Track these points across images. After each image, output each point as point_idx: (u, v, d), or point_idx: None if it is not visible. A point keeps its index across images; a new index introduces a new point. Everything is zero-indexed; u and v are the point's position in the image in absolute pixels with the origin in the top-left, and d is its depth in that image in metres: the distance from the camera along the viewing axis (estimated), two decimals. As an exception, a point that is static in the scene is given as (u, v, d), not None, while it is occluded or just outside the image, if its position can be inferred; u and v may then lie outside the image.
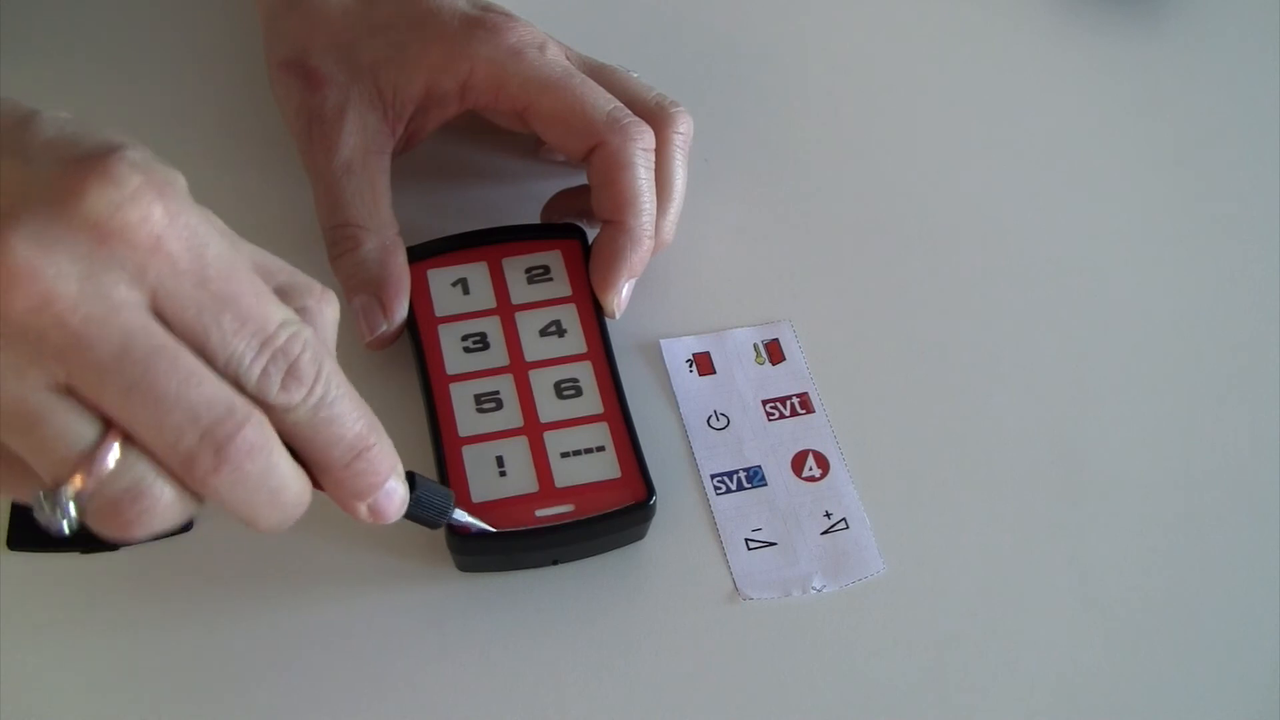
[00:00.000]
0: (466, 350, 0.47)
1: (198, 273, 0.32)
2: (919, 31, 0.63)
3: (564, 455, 0.45)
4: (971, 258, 0.54)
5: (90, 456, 0.31)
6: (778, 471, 0.48)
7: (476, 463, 0.44)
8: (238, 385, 0.32)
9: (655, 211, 0.49)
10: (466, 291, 0.49)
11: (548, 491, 0.44)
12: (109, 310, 0.30)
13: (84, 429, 0.31)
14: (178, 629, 0.43)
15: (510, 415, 0.46)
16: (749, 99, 0.59)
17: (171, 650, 0.42)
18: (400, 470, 0.37)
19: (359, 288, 0.47)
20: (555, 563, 0.45)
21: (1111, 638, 0.45)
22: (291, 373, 0.33)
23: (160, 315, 0.31)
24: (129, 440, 0.31)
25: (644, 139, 0.48)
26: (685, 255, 0.52)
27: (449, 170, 0.55)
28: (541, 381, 0.46)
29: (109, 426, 0.31)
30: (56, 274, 0.30)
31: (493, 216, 0.51)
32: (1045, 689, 0.43)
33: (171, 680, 0.42)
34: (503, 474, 0.44)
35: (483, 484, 0.44)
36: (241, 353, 0.32)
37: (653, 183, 0.48)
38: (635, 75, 0.52)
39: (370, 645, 0.43)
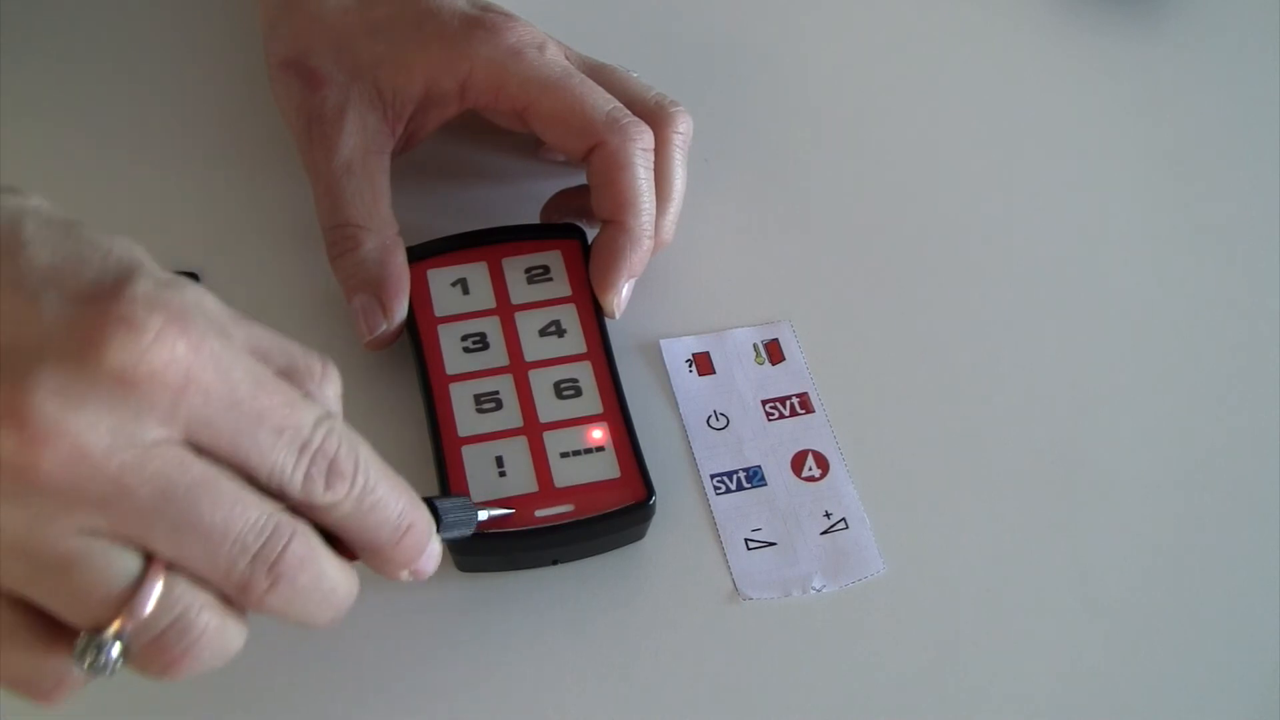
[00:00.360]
0: (466, 350, 0.47)
1: (228, 397, 0.31)
2: (919, 31, 0.63)
3: (563, 455, 0.45)
4: (971, 258, 0.54)
5: (133, 591, 0.30)
6: (777, 471, 0.48)
7: (476, 463, 0.44)
8: (282, 495, 0.32)
9: (655, 211, 0.49)
10: (466, 291, 0.48)
11: (547, 491, 0.44)
12: (144, 455, 0.30)
13: (124, 564, 0.30)
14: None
15: (510, 415, 0.46)
16: (749, 99, 0.59)
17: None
18: (434, 528, 0.37)
19: (358, 287, 0.47)
20: (555, 563, 0.45)
21: (1112, 637, 0.45)
22: (333, 470, 0.33)
23: (195, 444, 0.31)
24: (171, 569, 0.31)
25: (643, 139, 0.48)
26: (685, 255, 0.52)
27: (449, 170, 0.55)
28: (541, 381, 0.46)
29: (149, 560, 0.31)
30: (87, 428, 0.29)
31: (493, 216, 0.51)
32: (1045, 689, 0.43)
33: (171, 680, 0.42)
34: (502, 474, 0.44)
35: (483, 484, 0.44)
36: (283, 463, 0.32)
37: (652, 183, 0.48)
38: (635, 75, 0.52)
39: (370, 645, 0.43)
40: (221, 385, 0.31)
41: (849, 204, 0.56)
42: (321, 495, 0.33)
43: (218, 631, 0.32)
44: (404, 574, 0.37)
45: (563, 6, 0.56)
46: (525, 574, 0.44)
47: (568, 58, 0.50)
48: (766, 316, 0.52)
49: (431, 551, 0.37)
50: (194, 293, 0.31)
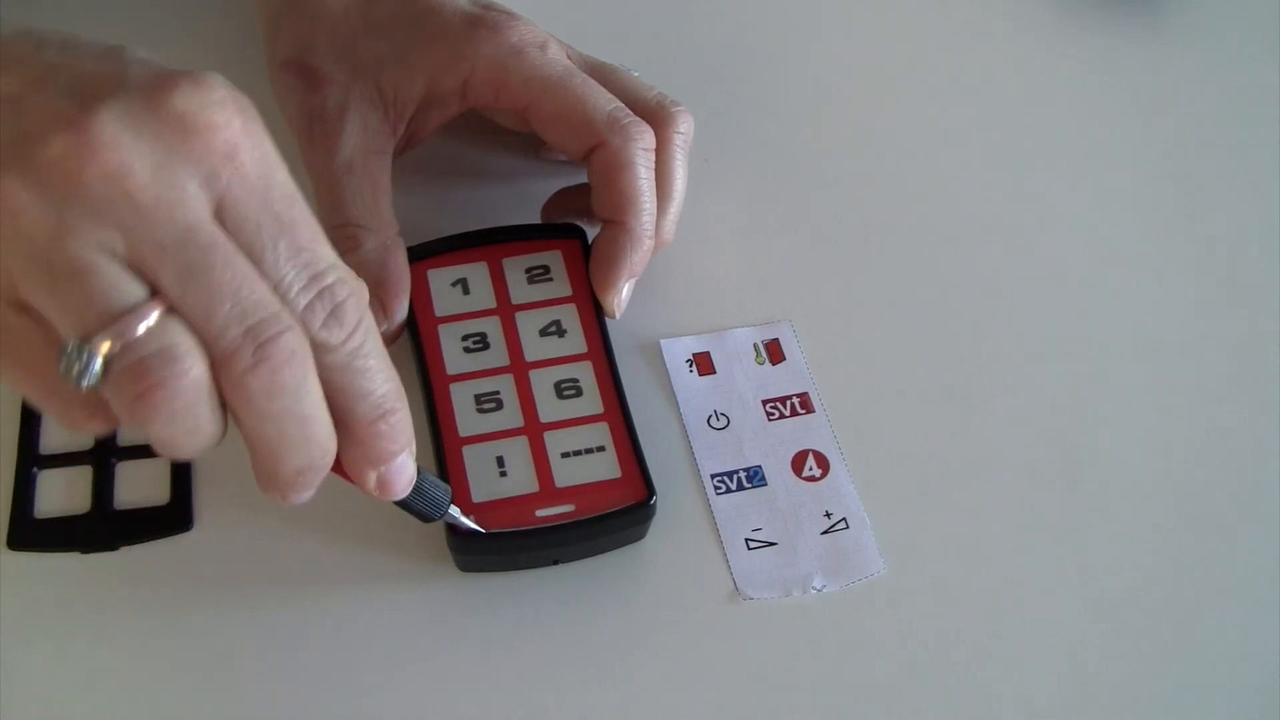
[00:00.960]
0: (466, 350, 0.47)
1: (264, 191, 0.32)
2: (919, 31, 0.63)
3: (564, 455, 0.45)
4: (971, 257, 0.54)
5: (130, 311, 0.31)
6: (778, 471, 0.48)
7: (477, 463, 0.44)
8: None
9: (655, 211, 0.49)
10: (466, 291, 0.48)
11: (548, 491, 0.44)
12: (177, 199, 0.31)
13: (130, 287, 0.31)
14: (177, 629, 0.43)
15: (510, 415, 0.46)
16: (749, 99, 0.59)
17: (171, 650, 0.42)
18: (414, 449, 0.37)
19: (359, 287, 0.47)
20: (555, 563, 0.45)
21: (1111, 637, 0.45)
22: (335, 314, 0.33)
23: (222, 223, 0.32)
24: (172, 312, 0.31)
25: (644, 139, 0.48)
26: (685, 255, 0.52)
27: (449, 170, 0.55)
28: (542, 381, 0.46)
29: (154, 294, 0.31)
30: (135, 152, 0.30)
31: (493, 216, 0.51)
32: (1045, 689, 0.43)
33: (172, 680, 0.42)
34: (503, 474, 0.44)
35: (483, 484, 0.44)
36: (292, 280, 0.33)
37: (653, 182, 0.48)
38: (636, 74, 0.52)
39: (371, 645, 0.43)
40: (260, 176, 0.32)
41: (849, 204, 0.56)
42: (318, 329, 0.33)
43: (196, 385, 0.32)
44: (372, 480, 0.37)
45: (564, 6, 0.56)
46: (525, 574, 0.44)
47: (569, 57, 0.50)
48: (766, 316, 0.52)
49: (403, 465, 0.37)
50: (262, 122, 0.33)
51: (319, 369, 0.34)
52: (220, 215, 0.32)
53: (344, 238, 0.47)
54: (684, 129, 0.50)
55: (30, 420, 0.47)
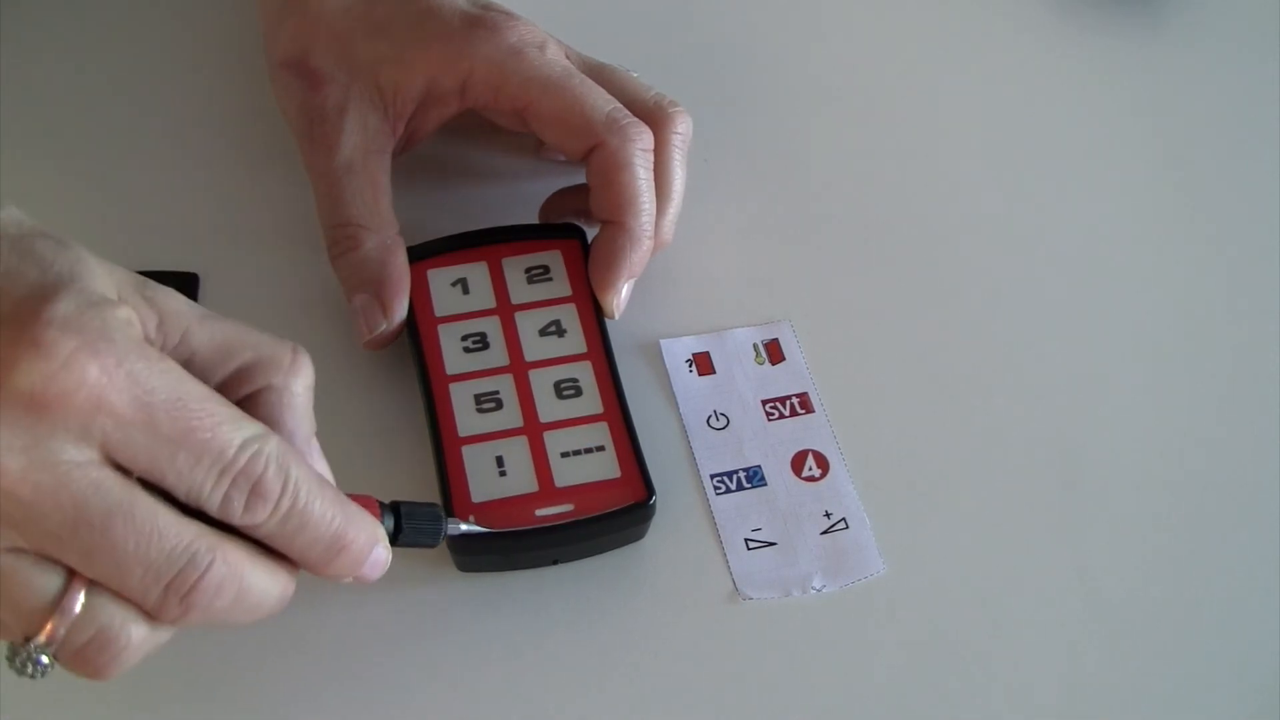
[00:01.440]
0: (466, 350, 0.47)
1: (145, 420, 0.31)
2: (918, 32, 0.63)
3: (564, 455, 0.45)
4: (971, 257, 0.54)
5: (56, 606, 0.32)
6: (777, 471, 0.47)
7: (476, 463, 0.44)
8: (202, 511, 0.33)
9: (654, 211, 0.49)
10: (466, 291, 0.48)
11: (548, 491, 0.44)
12: (59, 477, 0.30)
13: (48, 581, 0.31)
14: (177, 628, 0.43)
15: (510, 415, 0.46)
16: (749, 99, 0.59)
17: (171, 650, 0.42)
18: (383, 535, 0.37)
19: (359, 287, 0.47)
20: (555, 563, 0.45)
21: (1111, 637, 0.44)
22: (255, 492, 0.33)
23: (113, 462, 0.31)
24: (94, 585, 0.32)
25: (643, 139, 0.48)
26: (685, 255, 0.52)
27: (449, 170, 0.55)
28: (541, 381, 0.46)
29: (72, 575, 0.32)
30: (1, 450, 0.30)
31: (493, 216, 0.51)
32: (1045, 689, 0.43)
33: (171, 680, 0.42)
34: (503, 474, 0.44)
35: (483, 484, 0.44)
36: (200, 483, 0.32)
37: (652, 183, 0.48)
38: (635, 75, 0.52)
39: (370, 645, 0.43)
40: (135, 408, 0.31)
41: (849, 204, 0.56)
42: (240, 517, 0.33)
43: (141, 639, 0.33)
44: (347, 581, 0.37)
45: (563, 6, 0.56)
46: (525, 574, 0.44)
47: (568, 57, 0.50)
48: (766, 316, 0.52)
49: (374, 560, 0.37)
50: (121, 312, 0.31)
51: (260, 537, 0.34)
52: (109, 455, 0.31)
53: (344, 237, 0.47)
54: (682, 129, 0.50)
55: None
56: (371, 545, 0.36)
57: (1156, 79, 0.62)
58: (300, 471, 0.34)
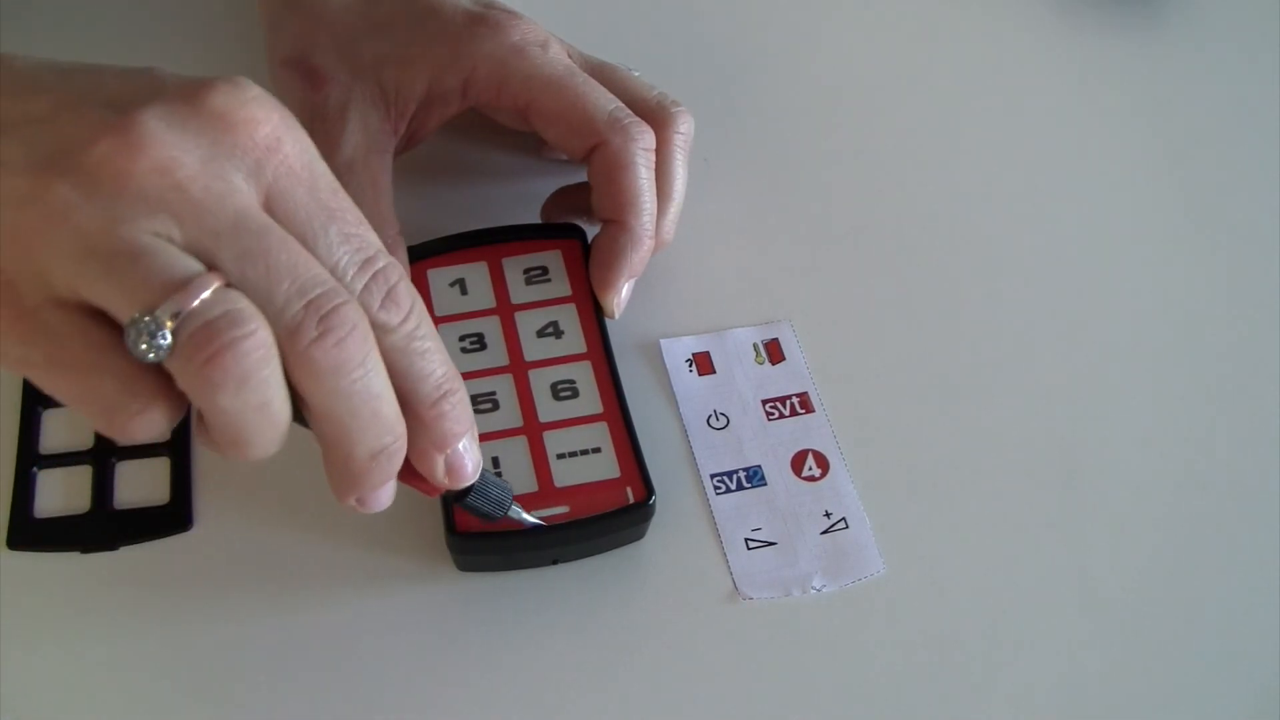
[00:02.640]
0: (465, 350, 0.47)
1: (310, 180, 0.33)
2: (919, 31, 0.63)
3: (563, 456, 0.45)
4: (971, 257, 0.54)
5: (192, 281, 0.31)
6: (777, 471, 0.47)
7: (476, 462, 0.44)
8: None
9: (655, 211, 0.49)
10: (465, 291, 0.48)
11: (547, 491, 0.44)
12: (226, 189, 0.31)
13: (189, 262, 0.31)
14: (177, 629, 0.43)
15: (509, 415, 0.46)
16: (749, 99, 0.59)
17: (171, 650, 0.42)
18: (475, 434, 0.37)
19: (359, 286, 0.47)
20: (555, 562, 0.45)
21: (1112, 638, 0.45)
22: (391, 295, 0.34)
23: (271, 213, 0.32)
24: (231, 286, 0.32)
25: (645, 139, 0.48)
26: (685, 255, 0.52)
27: (449, 170, 0.55)
28: (540, 381, 0.46)
29: (212, 269, 0.31)
30: (181, 147, 0.31)
31: (493, 216, 0.51)
32: (1045, 689, 0.43)
33: (171, 680, 0.42)
34: (500, 474, 0.44)
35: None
36: (346, 264, 0.33)
37: (653, 182, 0.48)
38: (637, 74, 0.52)
39: (370, 645, 0.43)
40: (304, 167, 0.33)
41: (849, 204, 0.56)
42: (376, 310, 0.33)
43: (264, 346, 0.31)
44: (440, 467, 0.36)
45: (565, 5, 0.56)
46: (525, 574, 0.44)
47: (570, 56, 0.50)
48: (766, 316, 0.52)
49: (468, 448, 0.37)
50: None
51: (381, 350, 0.34)
52: (269, 205, 0.32)
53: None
54: (684, 129, 0.50)
55: (30, 420, 0.47)
56: (471, 422, 0.37)
57: (1156, 79, 0.62)
58: (422, 306, 0.35)
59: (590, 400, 0.46)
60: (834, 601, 0.45)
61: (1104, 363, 0.52)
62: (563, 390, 0.46)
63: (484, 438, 0.45)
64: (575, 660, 0.43)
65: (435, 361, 0.35)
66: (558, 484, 0.44)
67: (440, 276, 0.49)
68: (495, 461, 0.44)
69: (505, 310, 0.48)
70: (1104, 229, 0.56)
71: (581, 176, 0.50)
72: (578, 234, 0.50)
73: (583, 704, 0.42)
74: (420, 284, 0.48)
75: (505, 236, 0.50)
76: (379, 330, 0.33)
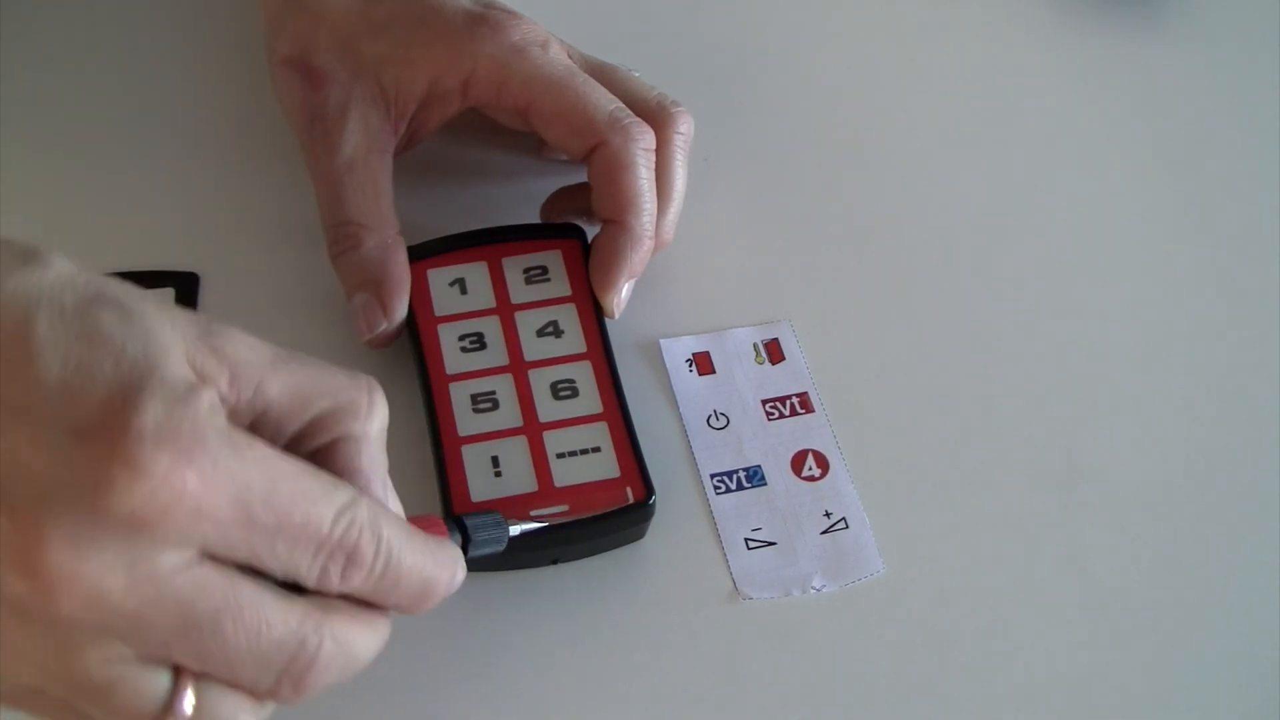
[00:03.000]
0: (465, 350, 0.47)
1: (242, 518, 0.30)
2: (919, 32, 0.63)
3: (562, 455, 0.45)
4: (971, 258, 0.54)
5: (168, 709, 0.31)
6: (777, 471, 0.47)
7: (476, 463, 0.44)
8: (299, 585, 0.32)
9: (655, 211, 0.49)
10: (465, 291, 0.48)
11: (547, 491, 0.44)
12: (162, 587, 0.29)
13: (156, 683, 0.31)
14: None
15: (509, 415, 0.46)
16: (749, 99, 0.59)
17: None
18: (461, 561, 0.36)
19: (359, 286, 0.47)
20: (555, 562, 0.45)
21: (1111, 637, 0.45)
22: (351, 560, 0.32)
23: (213, 557, 0.31)
24: (202, 677, 0.31)
25: (645, 139, 0.48)
26: (685, 255, 0.52)
27: (449, 170, 0.55)
28: (540, 381, 0.46)
29: (179, 674, 0.31)
30: (102, 570, 0.29)
31: (493, 216, 0.51)
32: (1045, 689, 0.43)
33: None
34: (499, 474, 0.44)
35: (481, 484, 0.44)
36: (298, 563, 0.32)
37: (653, 183, 0.48)
38: (637, 75, 0.52)
39: (370, 645, 0.43)
40: (233, 507, 0.30)
41: (849, 204, 0.56)
42: (337, 586, 0.32)
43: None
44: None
45: (565, 6, 0.56)
46: (525, 574, 0.44)
47: (570, 57, 0.50)
48: (766, 316, 0.52)
49: (454, 580, 0.36)
50: (205, 399, 0.30)
51: (353, 593, 0.33)
52: (209, 552, 0.30)
53: (344, 236, 0.47)
54: (684, 129, 0.50)
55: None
56: (454, 576, 0.36)
57: (1156, 79, 0.62)
58: (389, 528, 0.33)
59: (590, 400, 0.46)
60: (834, 601, 0.45)
61: (1104, 362, 0.51)
62: (562, 390, 0.46)
63: (484, 437, 0.45)
64: (575, 660, 0.43)
65: (410, 579, 0.34)
66: (557, 484, 0.44)
67: (440, 276, 0.49)
68: (495, 461, 0.44)
69: (505, 310, 0.48)
70: (1104, 229, 0.56)
71: (581, 176, 0.50)
72: (578, 234, 0.50)
73: (582, 704, 0.42)
74: (420, 284, 0.48)
75: (505, 236, 0.50)
76: (350, 595, 0.33)
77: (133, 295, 0.31)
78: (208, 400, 0.30)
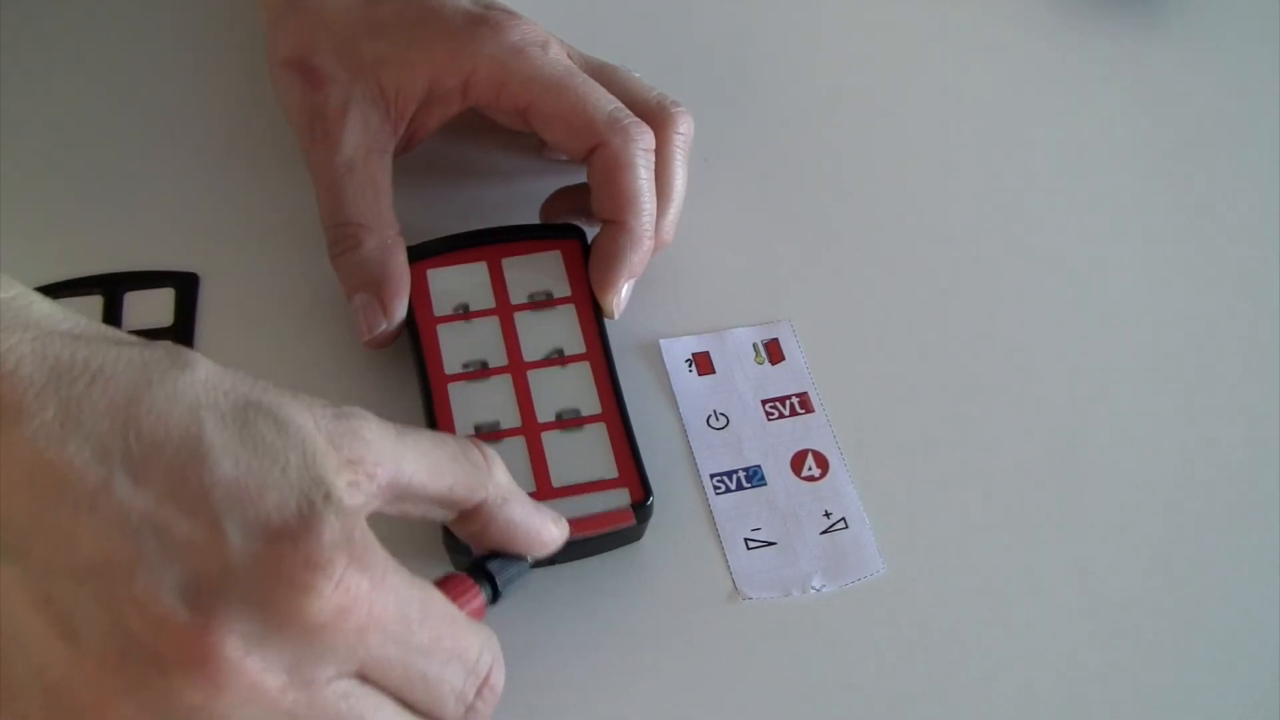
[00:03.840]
0: (464, 351, 0.47)
1: (403, 634, 0.32)
2: (919, 32, 0.63)
3: (561, 456, 0.45)
4: (971, 257, 0.54)
5: None
6: (777, 471, 0.48)
7: (476, 463, 0.44)
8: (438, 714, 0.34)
9: (655, 212, 0.49)
10: (465, 292, 0.48)
11: (545, 492, 0.44)
12: (315, 693, 0.30)
13: None
14: None
15: (508, 415, 0.46)
16: (749, 99, 0.59)
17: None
18: (495, 645, 0.36)
19: (359, 286, 0.47)
20: (554, 563, 0.45)
21: (1112, 637, 0.45)
22: (488, 688, 0.35)
23: (365, 678, 0.31)
24: None
25: (644, 139, 0.48)
26: (685, 255, 0.52)
27: (449, 170, 0.55)
28: (539, 382, 0.46)
29: None
30: (266, 669, 0.30)
31: (493, 217, 0.51)
32: (1045, 689, 0.43)
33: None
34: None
35: (482, 484, 0.44)
36: (449, 684, 0.33)
37: (653, 183, 0.48)
38: (636, 75, 0.52)
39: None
40: (396, 623, 0.31)
41: (849, 204, 0.56)
42: (475, 700, 0.34)
43: None
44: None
45: (565, 6, 0.56)
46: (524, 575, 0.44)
47: (570, 57, 0.50)
48: (766, 316, 0.52)
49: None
50: (364, 511, 0.32)
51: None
52: (364, 673, 0.31)
53: (344, 236, 0.47)
54: (684, 129, 0.50)
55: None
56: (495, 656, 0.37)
57: (1156, 79, 0.62)
58: (499, 654, 0.35)
59: (589, 401, 0.46)
60: (834, 601, 0.45)
61: (1104, 362, 0.52)
62: (562, 391, 0.46)
63: (483, 438, 0.45)
64: (575, 661, 0.43)
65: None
66: (556, 484, 0.44)
67: (440, 276, 0.49)
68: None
69: (504, 311, 0.48)
70: (1104, 229, 0.56)
71: (581, 176, 0.50)
72: (578, 234, 0.50)
73: (582, 704, 0.42)
74: (420, 284, 0.48)
75: (505, 237, 0.50)
76: None
77: (277, 400, 0.32)
78: (365, 512, 0.32)
